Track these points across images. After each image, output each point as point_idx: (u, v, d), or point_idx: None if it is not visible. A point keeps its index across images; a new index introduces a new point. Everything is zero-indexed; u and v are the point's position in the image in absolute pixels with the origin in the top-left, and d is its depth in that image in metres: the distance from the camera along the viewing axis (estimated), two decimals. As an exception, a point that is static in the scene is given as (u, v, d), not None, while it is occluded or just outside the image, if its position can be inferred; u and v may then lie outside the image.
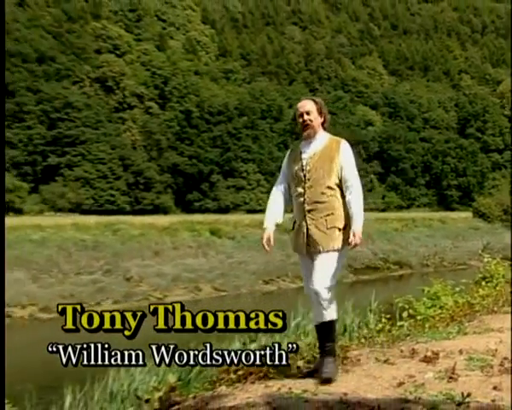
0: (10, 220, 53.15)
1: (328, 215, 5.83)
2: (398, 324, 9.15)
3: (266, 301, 37.66)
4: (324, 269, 5.75)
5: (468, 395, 5.09)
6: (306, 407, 5.14)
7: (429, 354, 6.73)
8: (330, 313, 5.83)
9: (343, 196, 5.87)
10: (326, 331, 5.91)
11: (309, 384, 5.82)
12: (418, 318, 9.52)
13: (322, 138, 5.98)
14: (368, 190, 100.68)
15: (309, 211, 5.87)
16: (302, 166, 5.95)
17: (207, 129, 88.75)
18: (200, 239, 50.29)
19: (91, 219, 52.09)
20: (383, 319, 9.19)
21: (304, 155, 5.98)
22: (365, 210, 5.85)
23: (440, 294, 10.49)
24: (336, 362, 5.98)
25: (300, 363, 6.53)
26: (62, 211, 72.82)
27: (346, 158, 5.88)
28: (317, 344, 6.35)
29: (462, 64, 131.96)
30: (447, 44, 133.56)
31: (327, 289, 5.72)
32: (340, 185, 5.87)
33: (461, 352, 6.79)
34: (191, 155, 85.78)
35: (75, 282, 36.41)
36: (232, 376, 6.31)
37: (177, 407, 5.69)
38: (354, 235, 5.63)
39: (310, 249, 5.88)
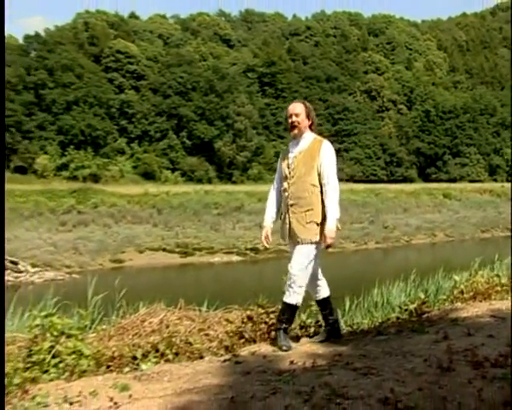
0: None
1: (307, 210, 4.61)
2: None
3: (483, 245, 36.00)
4: (301, 257, 4.60)
5: None
6: (518, 319, 5.07)
7: None
8: (296, 298, 4.61)
9: (322, 193, 4.66)
10: (289, 311, 4.66)
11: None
12: None
13: (307, 138, 4.75)
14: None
15: (291, 205, 4.68)
16: (288, 163, 4.76)
17: (441, 123, 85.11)
18: (436, 200, 48.97)
19: (361, 186, 52.34)
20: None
21: (290, 154, 4.79)
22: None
23: None
24: (286, 336, 4.64)
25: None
26: (341, 181, 73.10)
27: (325, 156, 4.65)
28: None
29: None
30: None
31: (302, 275, 4.58)
32: (320, 182, 4.66)
33: None
34: (430, 141, 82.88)
35: (350, 228, 37.26)
36: (465, 296, 6.25)
37: (426, 315, 5.63)
38: (325, 237, 4.53)
39: (291, 239, 4.72)
